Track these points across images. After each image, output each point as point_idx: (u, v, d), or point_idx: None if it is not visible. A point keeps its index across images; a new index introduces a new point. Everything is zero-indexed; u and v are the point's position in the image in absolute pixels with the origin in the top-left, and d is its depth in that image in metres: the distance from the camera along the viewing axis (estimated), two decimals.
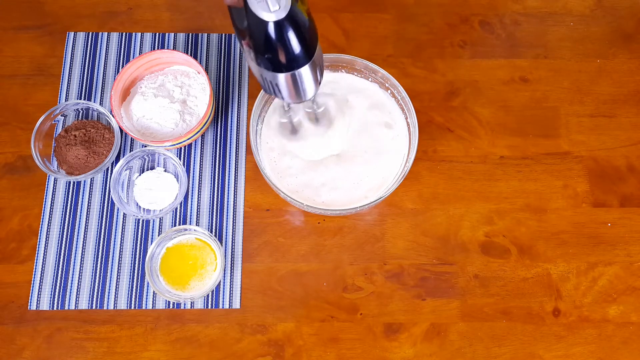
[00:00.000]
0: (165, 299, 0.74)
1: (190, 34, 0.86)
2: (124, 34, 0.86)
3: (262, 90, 0.70)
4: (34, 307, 0.74)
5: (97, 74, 0.84)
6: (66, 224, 0.77)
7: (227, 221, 0.78)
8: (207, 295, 0.75)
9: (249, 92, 0.83)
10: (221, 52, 0.85)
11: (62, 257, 0.76)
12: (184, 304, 0.74)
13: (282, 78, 0.53)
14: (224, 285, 0.75)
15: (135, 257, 0.76)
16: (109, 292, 0.75)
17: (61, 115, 0.79)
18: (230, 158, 0.80)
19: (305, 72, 0.53)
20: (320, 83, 0.57)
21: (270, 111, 0.74)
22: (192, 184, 0.79)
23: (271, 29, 0.49)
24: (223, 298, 0.75)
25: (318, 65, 0.55)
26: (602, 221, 0.79)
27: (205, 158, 0.80)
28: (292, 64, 0.52)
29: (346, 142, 0.73)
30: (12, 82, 0.83)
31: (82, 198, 0.78)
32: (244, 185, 0.79)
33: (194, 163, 0.80)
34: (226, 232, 0.77)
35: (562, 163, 0.81)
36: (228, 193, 0.79)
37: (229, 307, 0.74)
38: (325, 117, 0.71)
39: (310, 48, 0.52)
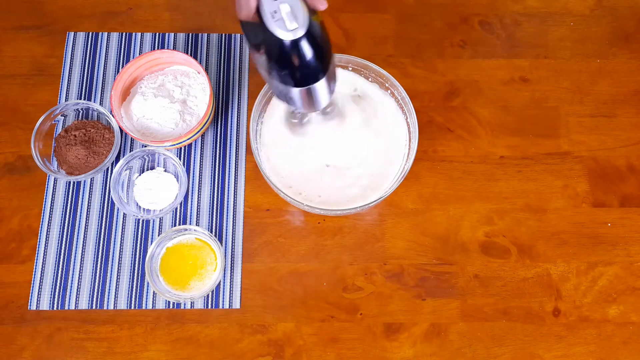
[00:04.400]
0: (165, 299, 0.74)
1: (190, 34, 0.86)
2: (124, 34, 0.86)
3: (262, 91, 0.70)
4: (34, 307, 0.74)
5: (97, 74, 0.84)
6: (66, 224, 0.77)
7: (227, 221, 0.78)
8: (207, 295, 0.75)
9: (249, 92, 0.83)
10: (221, 52, 0.85)
11: (62, 257, 0.76)
12: (184, 304, 0.74)
13: (297, 92, 0.52)
14: (224, 285, 0.75)
15: (135, 257, 0.76)
16: (109, 292, 0.75)
17: (61, 115, 0.79)
18: (230, 158, 0.80)
19: (320, 85, 0.52)
20: (333, 92, 0.56)
21: (272, 108, 0.73)
22: (192, 184, 0.79)
23: (288, 47, 0.47)
24: (223, 298, 0.75)
25: (332, 76, 0.54)
26: (602, 221, 0.79)
27: (205, 158, 0.80)
28: (308, 79, 0.51)
29: (346, 147, 0.73)
30: (12, 82, 0.83)
31: (82, 198, 0.78)
32: (244, 185, 0.79)
33: (194, 163, 0.80)
34: (226, 232, 0.77)
35: (562, 163, 0.81)
36: (228, 193, 0.79)
37: (229, 307, 0.74)
38: (335, 114, 0.69)
39: (326, 62, 0.51)
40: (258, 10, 0.48)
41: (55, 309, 0.74)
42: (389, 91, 0.74)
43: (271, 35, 0.47)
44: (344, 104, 0.73)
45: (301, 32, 0.47)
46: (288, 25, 0.46)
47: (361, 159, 0.72)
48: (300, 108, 0.56)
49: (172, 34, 0.86)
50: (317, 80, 0.51)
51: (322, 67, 0.51)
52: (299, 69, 0.50)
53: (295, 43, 0.47)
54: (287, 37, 0.47)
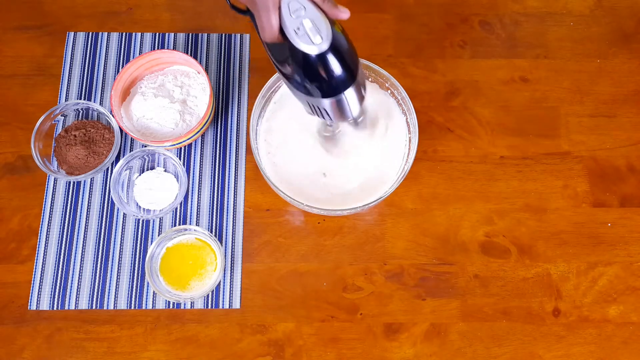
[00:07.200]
0: (165, 299, 0.74)
1: (190, 34, 0.86)
2: (124, 34, 0.86)
3: (262, 90, 0.70)
4: (34, 307, 0.74)
5: (97, 74, 0.84)
6: (66, 224, 0.77)
7: (227, 221, 0.78)
8: (207, 295, 0.75)
9: (249, 92, 0.83)
10: (221, 52, 0.85)
11: (62, 257, 0.76)
12: (184, 304, 0.74)
13: (328, 102, 0.53)
14: (224, 285, 0.75)
15: (135, 257, 0.76)
16: (109, 292, 0.75)
17: (61, 115, 0.79)
18: (230, 158, 0.80)
19: (350, 93, 0.53)
20: (364, 99, 0.56)
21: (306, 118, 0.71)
22: (192, 184, 0.79)
23: (316, 61, 0.49)
24: (223, 298, 0.75)
25: (362, 83, 0.55)
26: (602, 221, 0.79)
27: (205, 158, 0.80)
28: (337, 89, 0.52)
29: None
30: (12, 82, 0.83)
31: (82, 198, 0.78)
32: (244, 185, 0.79)
33: (194, 163, 0.80)
34: (226, 232, 0.77)
35: (562, 163, 0.81)
36: (228, 193, 0.79)
37: (229, 307, 0.74)
38: (365, 123, 0.70)
39: (353, 70, 0.52)
40: (281, 30, 0.50)
41: (55, 309, 0.74)
42: (389, 91, 0.74)
43: (297, 52, 0.49)
44: (374, 111, 0.73)
45: (326, 45, 0.48)
46: (313, 39, 0.48)
47: (361, 159, 0.72)
48: (333, 119, 0.57)
49: (172, 34, 0.86)
50: (346, 88, 0.52)
51: (349, 76, 0.52)
52: (328, 80, 0.51)
53: (322, 56, 0.49)
54: (313, 51, 0.48)
